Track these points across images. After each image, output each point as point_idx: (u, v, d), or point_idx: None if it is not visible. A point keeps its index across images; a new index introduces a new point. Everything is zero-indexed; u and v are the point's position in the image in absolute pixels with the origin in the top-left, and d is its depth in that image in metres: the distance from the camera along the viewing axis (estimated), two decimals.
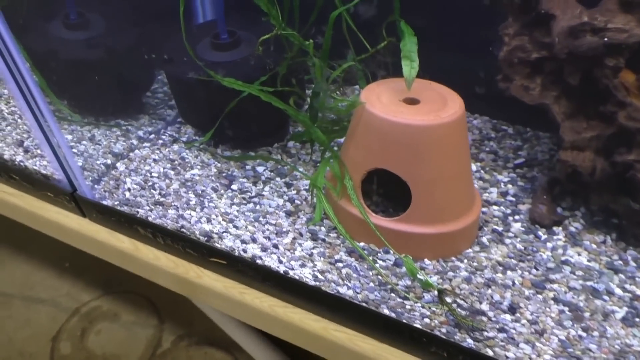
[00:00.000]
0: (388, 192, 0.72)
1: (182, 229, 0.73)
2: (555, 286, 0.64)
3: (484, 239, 0.69)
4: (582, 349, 0.58)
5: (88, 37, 0.87)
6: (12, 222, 1.05)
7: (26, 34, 0.87)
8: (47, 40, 0.86)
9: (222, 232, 0.72)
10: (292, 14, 0.69)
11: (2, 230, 1.67)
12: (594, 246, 0.68)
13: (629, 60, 0.58)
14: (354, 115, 0.64)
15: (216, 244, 0.71)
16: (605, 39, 0.56)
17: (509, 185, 0.75)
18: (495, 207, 0.72)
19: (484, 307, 0.62)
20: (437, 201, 0.61)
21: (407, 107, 0.59)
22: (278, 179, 0.80)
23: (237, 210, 0.75)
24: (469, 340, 0.59)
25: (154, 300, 1.49)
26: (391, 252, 0.67)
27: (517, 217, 0.72)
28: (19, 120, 0.96)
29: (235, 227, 0.73)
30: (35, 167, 0.84)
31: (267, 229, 0.72)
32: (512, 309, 0.62)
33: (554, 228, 0.70)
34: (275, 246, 0.70)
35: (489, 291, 0.64)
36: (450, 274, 0.66)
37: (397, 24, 0.63)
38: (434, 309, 0.62)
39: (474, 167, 0.78)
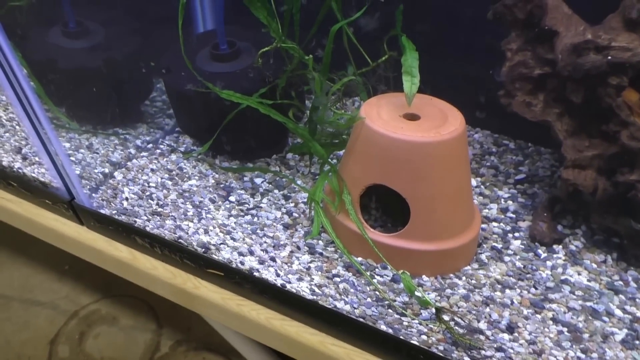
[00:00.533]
0: (387, 206, 0.72)
1: (180, 240, 0.72)
2: (554, 306, 0.64)
3: (483, 256, 0.68)
4: None
5: (87, 45, 0.87)
6: (9, 224, 1.05)
7: (25, 42, 0.87)
8: (46, 48, 0.86)
9: (220, 244, 0.72)
10: (293, 26, 0.68)
11: (2, 233, 1.67)
12: (595, 266, 0.68)
13: (632, 79, 0.57)
14: (354, 130, 0.63)
15: (214, 256, 0.70)
16: (609, 58, 0.55)
17: (509, 202, 0.75)
18: (495, 224, 0.72)
19: (482, 325, 0.62)
20: (437, 218, 0.61)
21: (408, 123, 0.58)
22: (276, 191, 0.79)
23: (235, 222, 0.75)
24: (466, 359, 0.59)
25: (153, 304, 1.48)
26: (389, 267, 0.66)
27: (516, 234, 0.71)
28: (17, 127, 0.96)
29: (233, 239, 0.72)
30: (33, 175, 0.83)
31: (265, 242, 0.72)
32: (511, 328, 0.62)
33: (554, 246, 0.70)
34: (273, 259, 0.70)
35: (487, 309, 0.63)
36: (449, 291, 0.65)
37: (399, 38, 0.62)
38: (431, 326, 0.62)
39: (474, 182, 0.77)
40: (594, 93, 0.58)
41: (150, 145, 0.91)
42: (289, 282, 0.67)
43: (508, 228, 0.72)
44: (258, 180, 0.81)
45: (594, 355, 0.59)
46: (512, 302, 0.64)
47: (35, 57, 0.86)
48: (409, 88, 0.56)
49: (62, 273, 1.61)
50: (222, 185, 0.81)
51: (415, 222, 0.60)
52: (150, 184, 0.82)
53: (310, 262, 0.69)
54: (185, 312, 1.28)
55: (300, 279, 0.67)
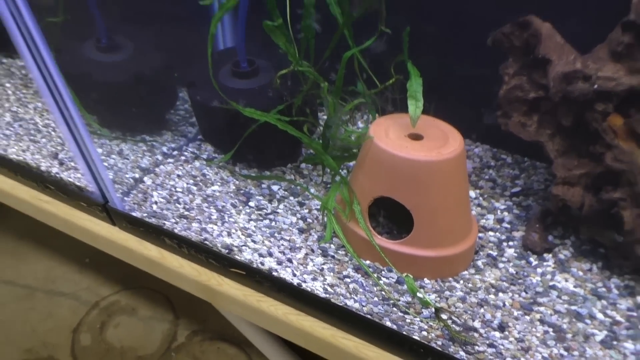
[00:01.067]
0: (393, 215, 0.79)
1: (206, 242, 0.80)
2: (542, 309, 0.70)
3: (479, 263, 0.75)
4: None
5: (118, 59, 0.94)
6: (34, 218, 1.12)
7: (60, 55, 0.94)
8: (80, 61, 0.94)
9: (242, 246, 0.79)
10: (308, 50, 0.75)
11: (25, 226, 1.74)
12: (581, 273, 0.74)
13: (617, 105, 0.63)
14: (363, 147, 0.70)
15: (236, 257, 0.78)
16: (595, 86, 0.61)
17: (505, 213, 0.81)
18: (491, 233, 0.78)
19: (476, 324, 0.68)
20: (438, 228, 0.67)
21: (412, 143, 0.65)
22: (292, 197, 0.87)
23: (255, 226, 0.82)
24: (462, 353, 0.66)
25: (170, 297, 1.54)
26: (394, 271, 0.74)
27: (511, 243, 0.77)
28: (52, 132, 1.03)
29: (253, 241, 0.80)
30: (70, 179, 0.91)
31: (282, 244, 0.79)
32: (502, 328, 0.68)
33: (545, 255, 0.76)
34: (290, 260, 0.77)
35: (482, 310, 0.70)
36: (447, 293, 0.72)
37: (406, 64, 0.68)
38: (431, 323, 0.69)
39: (473, 194, 0.84)
40: (582, 117, 0.65)
41: (175, 152, 0.98)
42: (304, 282, 0.74)
43: (503, 237, 0.78)
44: (275, 188, 0.88)
45: (576, 353, 0.66)
46: (504, 305, 0.71)
47: (71, 69, 0.94)
48: (414, 111, 0.63)
49: (83, 265, 1.67)
50: (242, 191, 0.88)
51: (418, 230, 0.67)
52: (177, 189, 0.90)
53: (324, 264, 0.76)
54: (200, 304, 1.34)
55: (314, 279, 0.74)
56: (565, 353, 0.65)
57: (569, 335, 0.67)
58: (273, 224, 0.82)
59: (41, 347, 1.46)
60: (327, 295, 0.72)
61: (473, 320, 0.69)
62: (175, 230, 0.82)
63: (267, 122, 0.78)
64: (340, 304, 0.71)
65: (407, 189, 0.64)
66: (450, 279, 0.74)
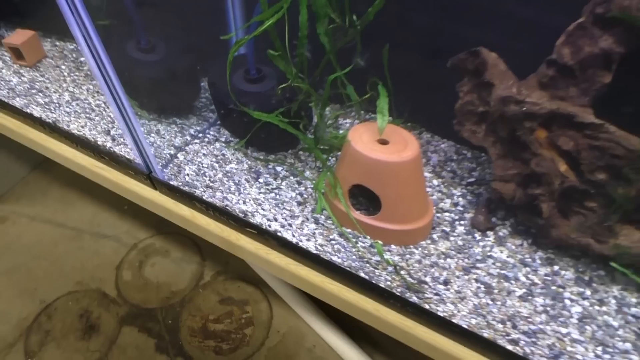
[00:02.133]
0: (370, 196, 1.00)
1: (227, 207, 1.03)
2: (478, 271, 0.91)
3: (435, 236, 0.95)
4: (488, 311, 0.87)
5: (154, 59, 1.14)
6: (105, 187, 1.27)
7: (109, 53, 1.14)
8: (125, 58, 1.14)
9: (254, 212, 1.02)
10: (303, 67, 0.94)
11: (71, 176, 1.84)
12: (514, 247, 0.93)
13: (541, 123, 0.81)
14: (344, 146, 0.90)
15: (250, 220, 1.02)
16: (524, 109, 0.79)
17: (460, 199, 1.00)
18: (447, 214, 0.98)
19: (427, 279, 0.88)
20: (399, 209, 0.89)
21: (380, 147, 0.84)
22: (292, 177, 1.08)
23: (263, 198, 1.05)
24: (415, 298, 0.84)
25: (197, 242, 1.74)
26: (368, 238, 0.96)
27: (462, 222, 0.96)
28: (103, 112, 1.25)
29: (262, 209, 1.03)
30: (120, 153, 1.15)
31: (284, 213, 1.02)
32: (446, 283, 0.89)
33: (488, 232, 0.93)
34: (290, 225, 1.00)
35: (432, 270, 0.91)
36: (408, 256, 0.92)
37: (376, 85, 0.87)
38: (394, 277, 0.92)
39: (436, 182, 1.03)
40: (515, 131, 0.83)
41: (200, 135, 1.20)
42: (301, 241, 0.95)
43: (456, 217, 0.97)
44: (279, 168, 1.10)
45: (498, 303, 0.88)
46: (450, 267, 0.92)
47: (117, 64, 1.14)
48: (381, 124, 0.82)
49: (123, 212, 1.86)
50: (253, 170, 1.10)
51: (385, 210, 0.89)
52: (203, 165, 1.12)
53: (315, 229, 0.99)
54: (223, 249, 1.61)
55: (308, 240, 0.96)
56: (490, 302, 0.87)
57: (496, 291, 0.89)
58: (277, 196, 1.05)
59: (90, 280, 1.68)
60: (318, 252, 0.94)
61: (425, 277, 0.88)
62: (204, 197, 1.05)
63: None
64: (327, 259, 0.93)
65: (375, 181, 0.85)
66: (411, 246, 0.94)
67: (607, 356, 0.77)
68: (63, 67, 1.40)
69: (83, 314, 1.63)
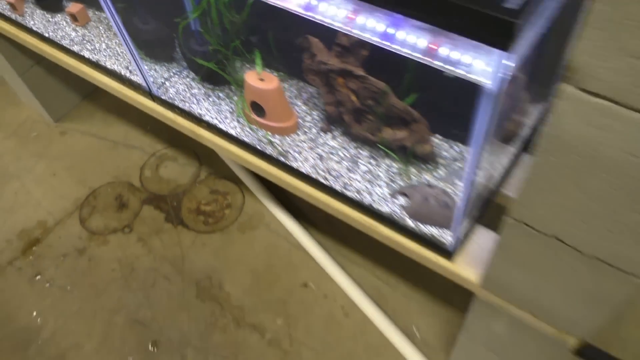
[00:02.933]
0: (260, 107, 1.88)
1: (191, 111, 1.91)
2: (318, 149, 1.81)
3: (299, 132, 1.81)
4: (318, 166, 1.77)
5: (149, 29, 1.94)
6: (115, 97, 1.88)
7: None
8: (133, 27, 1.94)
9: (205, 114, 1.90)
10: (219, 40, 1.76)
11: (111, 103, 2.65)
12: (340, 140, 1.76)
13: (339, 74, 1.65)
14: (245, 82, 1.76)
15: (203, 118, 1.90)
16: (328, 67, 1.63)
17: (316, 116, 1.86)
18: (307, 123, 1.82)
19: (290, 150, 1.73)
20: (274, 115, 1.76)
21: (260, 82, 1.70)
22: (227, 99, 1.95)
23: (211, 107, 1.92)
24: (281, 158, 1.62)
25: (197, 152, 2.41)
26: (262, 130, 1.85)
27: (315, 128, 1.82)
28: (125, 56, 2.08)
29: (210, 114, 1.90)
30: (135, 80, 2.00)
31: (221, 116, 1.89)
32: (299, 153, 1.79)
33: (328, 133, 1.82)
34: (224, 121, 1.88)
35: (294, 147, 1.81)
36: (283, 141, 1.81)
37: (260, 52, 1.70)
38: (272, 148, 1.82)
39: (304, 107, 1.88)
40: (329, 78, 1.68)
41: (177, 72, 2.04)
42: (229, 130, 1.86)
43: (312, 125, 1.81)
44: (220, 94, 1.96)
45: (324, 163, 1.78)
46: (304, 147, 1.82)
47: (129, 30, 1.97)
48: (259, 70, 1.67)
49: (146, 130, 2.52)
50: (208, 95, 1.96)
51: (268, 115, 1.77)
52: (180, 89, 1.98)
53: (237, 125, 1.88)
54: (216, 158, 2.25)
55: (234, 128, 1.86)
56: (320, 163, 1.78)
57: (325, 158, 1.79)
58: (219, 107, 1.92)
59: (122, 175, 2.38)
60: (237, 135, 1.85)
61: (289, 150, 1.80)
62: (179, 105, 1.93)
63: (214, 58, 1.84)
64: (242, 139, 1.84)
65: (260, 99, 1.72)
66: (285, 136, 1.79)
67: (368, 184, 1.68)
68: (100, 28, 2.22)
69: (117, 196, 2.30)
